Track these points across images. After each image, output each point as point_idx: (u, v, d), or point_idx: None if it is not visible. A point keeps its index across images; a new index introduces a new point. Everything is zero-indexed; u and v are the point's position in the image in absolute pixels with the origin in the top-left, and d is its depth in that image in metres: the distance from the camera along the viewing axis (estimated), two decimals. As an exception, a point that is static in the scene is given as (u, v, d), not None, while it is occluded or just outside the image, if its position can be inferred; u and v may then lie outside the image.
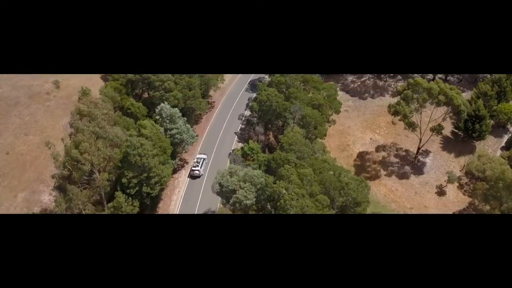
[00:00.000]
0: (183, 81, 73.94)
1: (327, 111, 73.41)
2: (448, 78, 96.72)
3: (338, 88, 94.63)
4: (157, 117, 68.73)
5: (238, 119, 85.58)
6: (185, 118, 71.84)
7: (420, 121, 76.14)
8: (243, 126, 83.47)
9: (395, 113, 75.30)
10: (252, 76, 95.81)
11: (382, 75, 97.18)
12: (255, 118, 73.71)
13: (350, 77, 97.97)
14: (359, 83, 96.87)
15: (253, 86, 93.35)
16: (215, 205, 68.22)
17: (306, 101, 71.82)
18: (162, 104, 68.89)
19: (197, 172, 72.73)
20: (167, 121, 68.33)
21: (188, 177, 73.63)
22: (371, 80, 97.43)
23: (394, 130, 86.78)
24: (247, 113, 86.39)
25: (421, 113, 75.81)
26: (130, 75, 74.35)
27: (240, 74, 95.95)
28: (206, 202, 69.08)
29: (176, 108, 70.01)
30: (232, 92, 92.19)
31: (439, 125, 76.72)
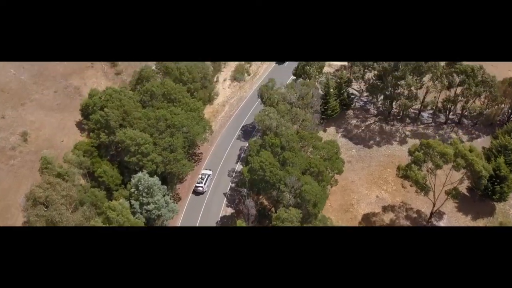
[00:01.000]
0: (163, 141, 64.59)
1: (328, 176, 64.10)
2: (461, 120, 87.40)
3: (339, 135, 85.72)
4: (133, 189, 59.51)
5: (228, 175, 76.28)
6: (165, 186, 62.66)
7: (434, 185, 66.89)
8: (233, 185, 74.12)
9: (405, 177, 66.13)
10: (245, 121, 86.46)
11: (389, 119, 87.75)
12: (245, 189, 64.30)
13: (353, 121, 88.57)
14: (363, 128, 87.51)
15: (245, 133, 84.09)
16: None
17: (304, 166, 62.57)
18: (139, 175, 59.61)
19: (200, 188, 71.67)
20: (144, 193, 59.15)
21: (191, 193, 72.70)
22: (377, 124, 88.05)
23: (402, 181, 77.30)
24: (239, 167, 77.09)
25: (435, 175, 66.59)
26: (103, 137, 65.01)
27: (230, 120, 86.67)
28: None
29: (155, 177, 60.81)
30: (222, 141, 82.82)
31: (455, 189, 67.45)
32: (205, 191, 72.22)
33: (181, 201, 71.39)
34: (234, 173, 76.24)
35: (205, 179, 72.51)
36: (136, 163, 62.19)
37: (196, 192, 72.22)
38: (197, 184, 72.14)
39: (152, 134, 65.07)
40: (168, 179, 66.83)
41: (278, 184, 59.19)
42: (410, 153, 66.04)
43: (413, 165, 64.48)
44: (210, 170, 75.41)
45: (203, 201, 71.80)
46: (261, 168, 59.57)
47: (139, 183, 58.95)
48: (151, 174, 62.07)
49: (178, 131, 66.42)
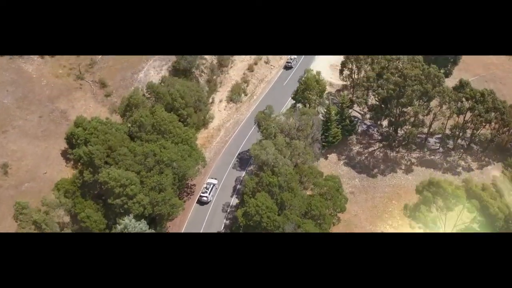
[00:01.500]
0: (151, 180, 59.69)
1: (329, 218, 59.29)
2: (470, 146, 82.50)
3: (341, 163, 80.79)
4: (116, 236, 54.60)
5: (223, 210, 71.37)
6: (153, 231, 57.78)
7: (445, 224, 62.12)
8: (227, 222, 69.23)
9: (413, 217, 61.35)
10: (241, 148, 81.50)
11: (394, 145, 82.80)
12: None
13: (356, 147, 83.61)
14: (366, 155, 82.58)
15: (241, 162, 79.16)
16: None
17: (304, 208, 57.75)
18: (126, 221, 54.82)
19: (205, 198, 70.62)
20: (129, 241, 54.21)
21: (196, 202, 71.63)
22: (381, 150, 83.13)
23: (410, 220, 72.56)
24: (234, 201, 72.22)
25: (445, 214, 61.86)
26: (87, 176, 60.06)
27: (226, 146, 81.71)
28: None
29: (143, 222, 56.03)
30: (217, 170, 77.78)
31: (467, 229, 62.56)
32: (210, 200, 71.02)
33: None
34: (229, 208, 71.30)
35: (210, 189, 71.28)
36: (121, 205, 57.33)
37: (201, 202, 70.88)
38: (201, 194, 70.97)
39: (139, 171, 60.20)
40: (157, 220, 62.02)
41: (276, 231, 54.33)
42: (418, 192, 61.31)
43: (421, 205, 59.70)
44: (215, 179, 74.08)
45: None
46: (257, 213, 54.71)
47: (125, 230, 54.15)
48: (138, 217, 57.34)
49: (167, 167, 61.55)
